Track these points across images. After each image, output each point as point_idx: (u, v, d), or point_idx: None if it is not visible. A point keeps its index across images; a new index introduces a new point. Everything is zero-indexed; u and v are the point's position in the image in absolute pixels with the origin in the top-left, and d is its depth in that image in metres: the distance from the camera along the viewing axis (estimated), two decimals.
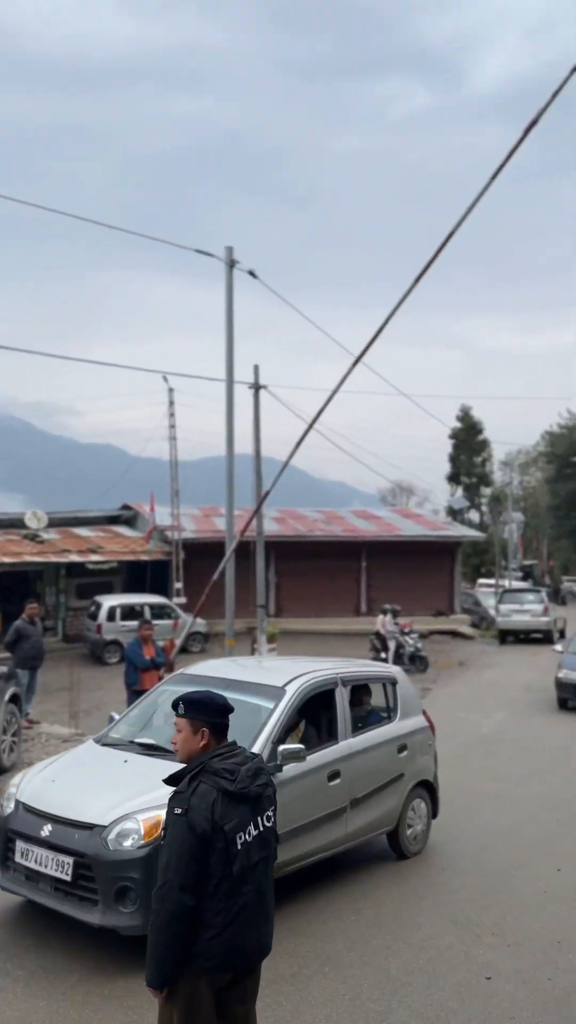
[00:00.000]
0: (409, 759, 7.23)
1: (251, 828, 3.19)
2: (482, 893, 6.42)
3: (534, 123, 9.39)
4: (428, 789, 7.55)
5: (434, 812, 7.63)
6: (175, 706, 3.37)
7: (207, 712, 3.32)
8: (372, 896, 6.33)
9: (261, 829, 3.25)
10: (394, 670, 7.80)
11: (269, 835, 3.32)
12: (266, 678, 6.55)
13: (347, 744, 6.55)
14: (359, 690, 7.20)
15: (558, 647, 17.72)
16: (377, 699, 7.49)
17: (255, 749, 5.49)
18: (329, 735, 6.58)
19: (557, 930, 5.74)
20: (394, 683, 7.45)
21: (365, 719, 7.15)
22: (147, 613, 20.93)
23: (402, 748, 7.17)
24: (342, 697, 6.67)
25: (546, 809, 8.78)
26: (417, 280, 9.47)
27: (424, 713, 7.73)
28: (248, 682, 6.42)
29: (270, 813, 3.33)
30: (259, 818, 3.25)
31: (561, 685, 15.62)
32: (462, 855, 7.30)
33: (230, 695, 3.76)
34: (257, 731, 5.84)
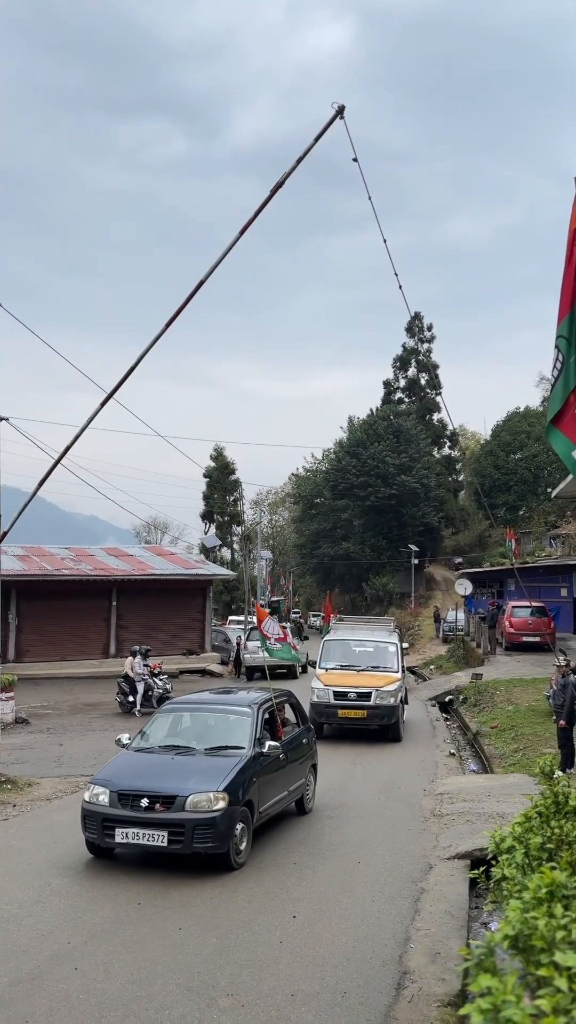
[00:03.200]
0: None
1: None
2: (220, 950, 6.29)
3: (279, 185, 9.87)
4: None
5: None
6: None
7: None
8: (106, 967, 5.96)
9: None
10: None
11: None
12: None
13: None
14: None
15: (123, 737, 9.65)
16: None
17: None
18: None
19: (291, 983, 5.75)
20: None
21: None
22: None
23: None
24: None
25: (289, 849, 8.89)
26: (167, 325, 9.49)
27: None
28: None
29: None
30: None
31: (86, 817, 8.40)
32: (201, 908, 7.14)
33: None
34: None
